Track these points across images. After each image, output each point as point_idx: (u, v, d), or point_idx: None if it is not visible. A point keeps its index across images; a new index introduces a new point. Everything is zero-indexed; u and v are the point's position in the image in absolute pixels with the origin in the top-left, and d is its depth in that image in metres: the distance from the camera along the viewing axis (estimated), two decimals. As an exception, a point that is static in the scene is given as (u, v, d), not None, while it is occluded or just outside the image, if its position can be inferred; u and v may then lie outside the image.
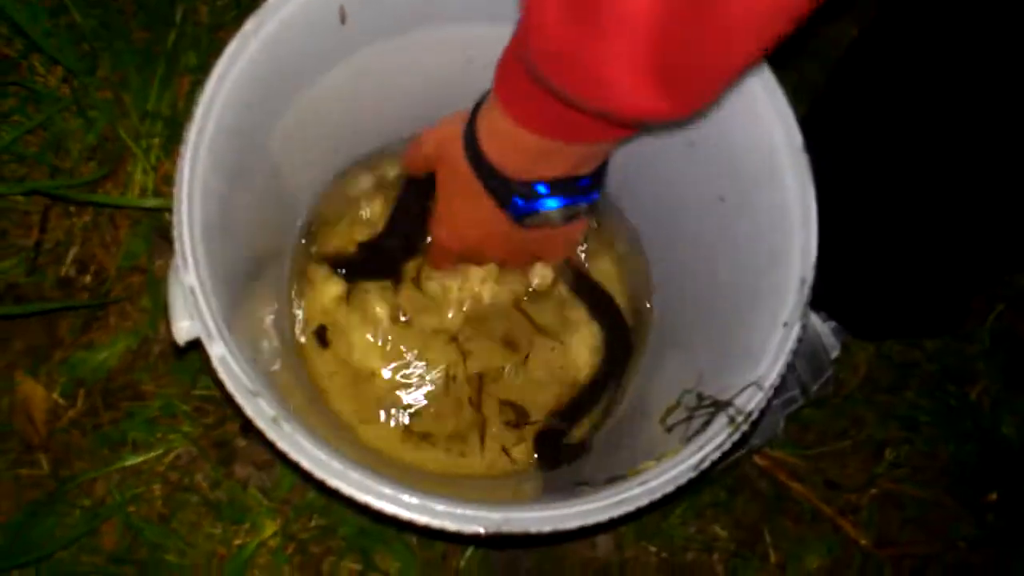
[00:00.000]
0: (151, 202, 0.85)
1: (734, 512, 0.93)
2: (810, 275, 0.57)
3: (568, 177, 0.61)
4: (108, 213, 0.89)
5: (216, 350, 0.50)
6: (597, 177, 0.64)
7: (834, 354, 0.92)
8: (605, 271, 0.83)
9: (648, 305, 0.82)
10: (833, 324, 0.89)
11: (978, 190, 0.70)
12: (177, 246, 0.51)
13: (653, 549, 0.91)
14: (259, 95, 0.57)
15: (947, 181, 0.71)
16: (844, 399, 0.97)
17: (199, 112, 0.52)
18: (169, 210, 0.79)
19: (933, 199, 0.73)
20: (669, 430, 0.63)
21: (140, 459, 0.86)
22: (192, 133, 0.52)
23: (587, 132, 0.55)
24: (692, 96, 0.43)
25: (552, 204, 0.63)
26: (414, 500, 0.50)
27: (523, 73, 0.51)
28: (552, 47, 0.44)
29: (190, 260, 0.50)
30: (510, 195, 0.63)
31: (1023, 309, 1.02)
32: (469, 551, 0.87)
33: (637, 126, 0.55)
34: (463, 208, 0.68)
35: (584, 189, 0.63)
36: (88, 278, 0.89)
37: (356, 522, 0.86)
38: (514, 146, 0.59)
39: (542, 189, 0.62)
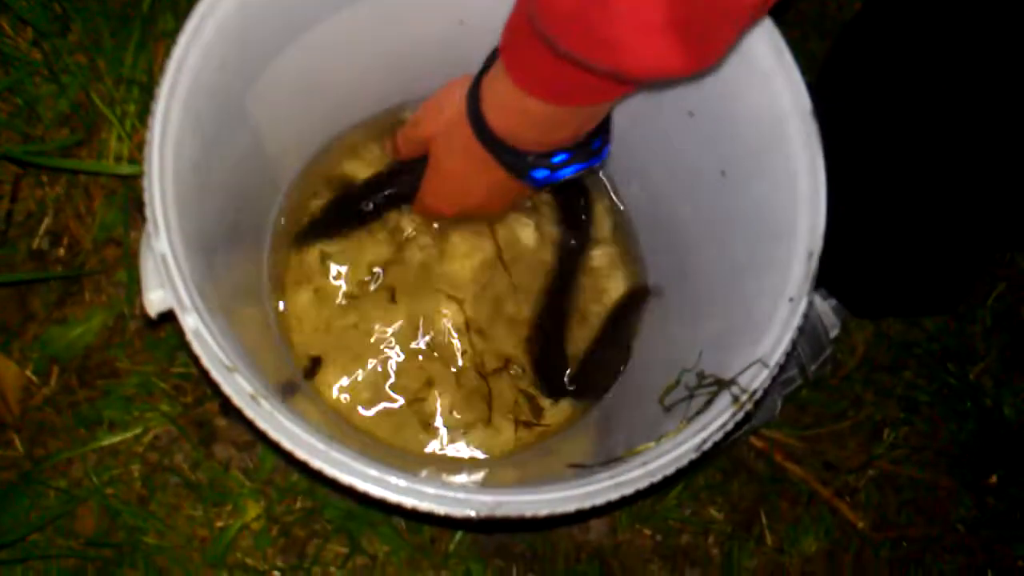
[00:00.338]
0: (127, 169, 0.82)
1: (730, 494, 0.91)
2: (818, 247, 0.55)
3: (580, 142, 0.60)
4: (82, 183, 0.86)
5: (190, 322, 0.47)
6: (606, 133, 0.62)
7: (834, 333, 0.90)
8: (602, 249, 0.81)
9: (646, 282, 0.80)
10: (833, 302, 0.87)
11: (984, 164, 0.68)
12: (148, 210, 0.47)
13: (648, 532, 0.89)
14: (234, 54, 0.53)
15: (951, 154, 0.69)
16: (842, 380, 0.95)
17: (171, 68, 0.49)
18: (144, 178, 0.75)
19: (937, 172, 0.71)
20: (668, 410, 0.60)
21: (117, 439, 0.83)
22: (164, 90, 0.48)
23: (599, 94, 0.53)
24: (707, 48, 0.42)
25: (570, 171, 0.62)
26: (401, 483, 0.47)
27: (532, 40, 0.49)
28: (561, 8, 0.43)
29: (161, 225, 0.47)
30: (526, 169, 0.61)
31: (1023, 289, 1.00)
32: (459, 535, 0.85)
33: (650, 84, 0.53)
34: (469, 183, 0.67)
35: (598, 150, 0.62)
36: (62, 251, 0.86)
37: (342, 504, 0.83)
38: (525, 117, 0.57)
39: (559, 158, 0.61)
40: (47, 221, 0.86)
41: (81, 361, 0.84)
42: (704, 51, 0.42)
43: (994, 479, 0.94)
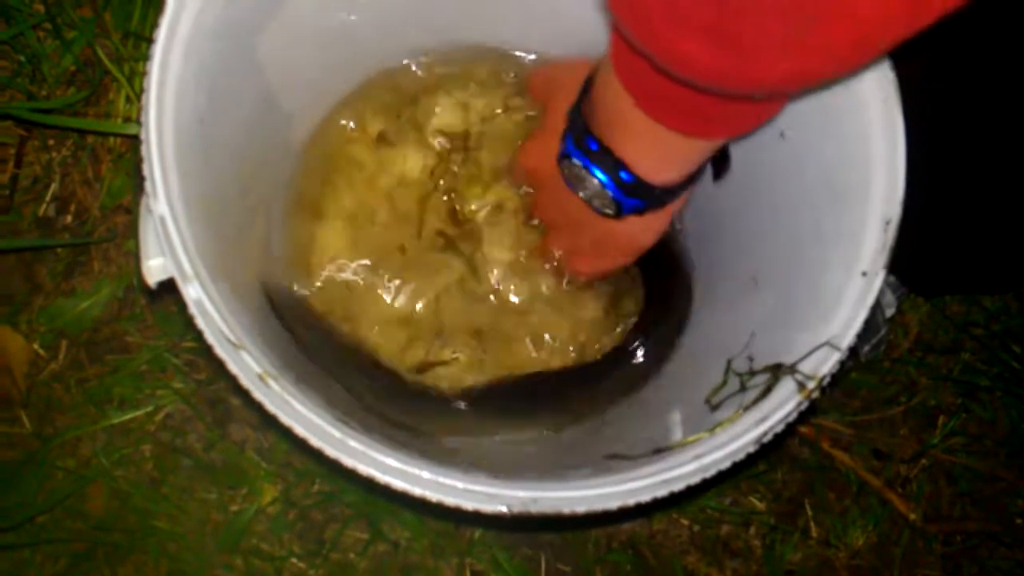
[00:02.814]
0: (135, 129, 0.76)
1: (773, 484, 0.86)
2: (896, 215, 0.49)
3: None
4: (89, 146, 0.81)
5: (192, 292, 0.42)
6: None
7: (889, 312, 0.84)
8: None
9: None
10: (890, 277, 0.81)
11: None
12: (146, 168, 0.42)
13: (685, 522, 0.84)
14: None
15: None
16: (894, 362, 0.89)
17: (171, 6, 0.43)
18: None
19: (1011, 141, 0.64)
20: (715, 408, 0.54)
21: (128, 417, 0.79)
22: (163, 30, 0.43)
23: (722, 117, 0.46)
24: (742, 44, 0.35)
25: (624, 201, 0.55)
26: (425, 475, 0.42)
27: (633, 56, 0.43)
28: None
29: (160, 184, 0.42)
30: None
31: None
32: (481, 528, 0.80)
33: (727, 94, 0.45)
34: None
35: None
36: (69, 218, 0.82)
37: (362, 488, 0.79)
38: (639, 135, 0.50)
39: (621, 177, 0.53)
40: (53, 187, 0.82)
41: (90, 335, 0.80)
42: (739, 49, 0.35)
43: (1059, 471, 0.87)
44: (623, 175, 0.52)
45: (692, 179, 0.55)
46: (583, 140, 0.52)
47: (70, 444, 0.79)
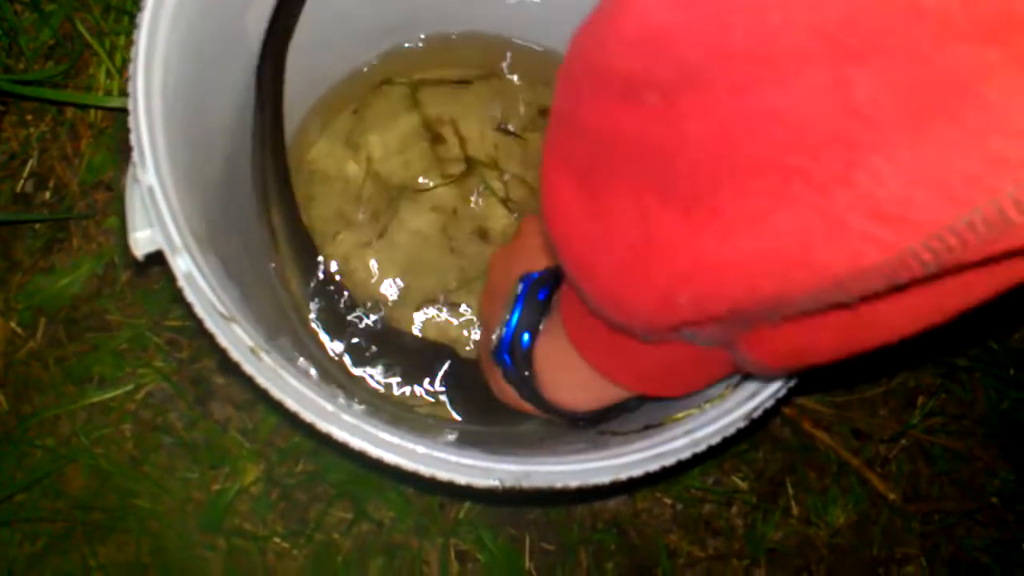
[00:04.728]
0: (117, 102, 0.75)
1: (755, 463, 0.86)
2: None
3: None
4: (68, 121, 0.80)
5: (181, 264, 0.41)
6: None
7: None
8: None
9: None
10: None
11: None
12: (133, 136, 0.41)
13: (668, 501, 0.84)
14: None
15: None
16: (874, 343, 0.90)
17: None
18: (134, 114, 0.69)
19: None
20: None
21: (108, 396, 0.78)
22: (150, -4, 0.42)
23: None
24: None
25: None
26: (419, 449, 0.42)
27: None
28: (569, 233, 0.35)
29: (148, 152, 0.41)
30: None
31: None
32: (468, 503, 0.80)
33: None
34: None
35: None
36: (47, 194, 0.80)
37: (346, 467, 0.79)
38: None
39: None
40: (31, 163, 0.80)
41: (69, 312, 0.79)
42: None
43: (1035, 450, 0.89)
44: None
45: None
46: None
47: (49, 423, 0.78)
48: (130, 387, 0.78)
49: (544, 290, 0.49)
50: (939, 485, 0.90)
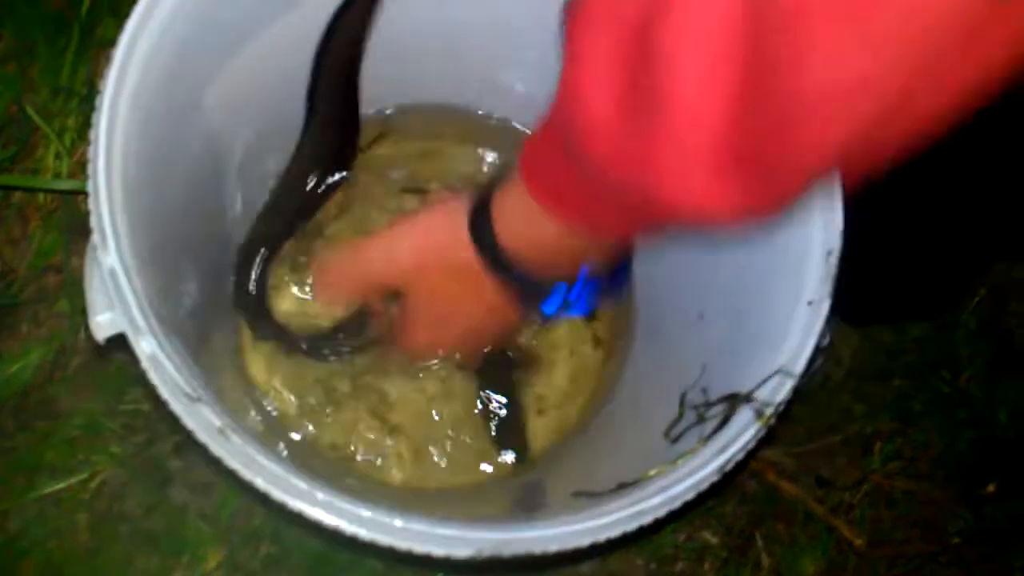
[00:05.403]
0: (66, 184, 0.74)
1: (724, 517, 0.87)
2: (836, 245, 0.51)
3: (602, 273, 0.54)
4: (16, 205, 0.78)
5: (145, 346, 0.41)
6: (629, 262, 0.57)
7: (824, 341, 0.87)
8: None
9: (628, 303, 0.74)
10: (824, 310, 0.84)
11: (978, 172, 0.66)
12: (93, 218, 0.41)
13: (640, 561, 0.84)
14: (192, 45, 0.47)
15: (946, 161, 0.66)
16: (830, 392, 0.92)
17: (119, 54, 0.42)
18: (87, 195, 0.68)
19: (931, 177, 0.68)
20: (675, 440, 0.55)
21: (60, 486, 0.76)
22: (111, 79, 0.42)
23: (631, 225, 0.47)
24: (772, 193, 0.36)
25: (583, 308, 0.56)
26: (397, 523, 0.41)
27: (562, 158, 0.43)
28: (607, 148, 0.38)
29: (109, 235, 0.40)
30: (539, 300, 0.55)
31: (1005, 295, 0.98)
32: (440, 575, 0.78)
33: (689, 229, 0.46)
34: (464, 314, 0.59)
35: (619, 285, 0.57)
36: (-6, 280, 0.78)
37: (311, 547, 0.77)
38: (549, 244, 0.50)
39: (575, 291, 0.55)
40: (-23, 248, 0.78)
41: (18, 400, 0.77)
42: (769, 195, 0.36)
43: (992, 488, 0.91)
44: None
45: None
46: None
47: (-1, 518, 0.75)
48: (84, 475, 0.76)
49: None
50: (902, 528, 0.91)
